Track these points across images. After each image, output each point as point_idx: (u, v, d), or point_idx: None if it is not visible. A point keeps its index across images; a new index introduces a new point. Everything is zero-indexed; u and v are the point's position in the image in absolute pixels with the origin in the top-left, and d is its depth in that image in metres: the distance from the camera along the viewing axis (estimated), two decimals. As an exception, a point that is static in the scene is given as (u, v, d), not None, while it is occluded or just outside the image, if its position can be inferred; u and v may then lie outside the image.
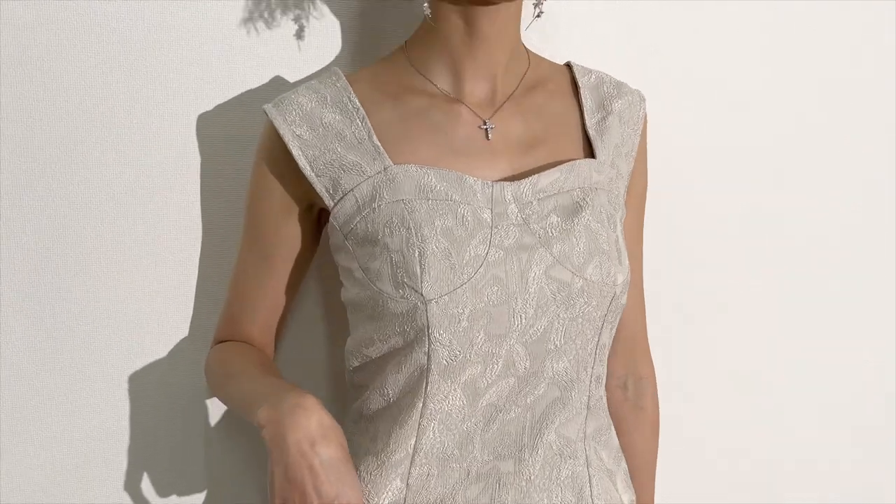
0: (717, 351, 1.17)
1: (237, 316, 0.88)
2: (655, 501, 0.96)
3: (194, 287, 1.02)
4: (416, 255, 0.72)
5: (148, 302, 1.01)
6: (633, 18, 1.05)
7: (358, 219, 0.76)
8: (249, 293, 0.87)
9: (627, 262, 0.80)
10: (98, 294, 1.00)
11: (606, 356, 0.82)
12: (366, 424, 0.79)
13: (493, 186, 0.76)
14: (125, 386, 1.03)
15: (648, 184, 0.97)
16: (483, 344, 0.74)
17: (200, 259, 1.01)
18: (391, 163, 0.76)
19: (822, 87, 1.17)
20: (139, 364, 1.02)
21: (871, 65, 1.18)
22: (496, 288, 0.74)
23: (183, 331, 1.02)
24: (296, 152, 0.77)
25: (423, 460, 0.75)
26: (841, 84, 1.18)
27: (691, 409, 1.16)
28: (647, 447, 0.93)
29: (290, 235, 0.84)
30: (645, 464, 0.93)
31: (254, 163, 0.84)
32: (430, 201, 0.74)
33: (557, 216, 0.77)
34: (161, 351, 1.02)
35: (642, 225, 0.93)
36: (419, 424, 0.75)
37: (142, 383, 1.02)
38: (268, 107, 0.80)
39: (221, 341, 0.90)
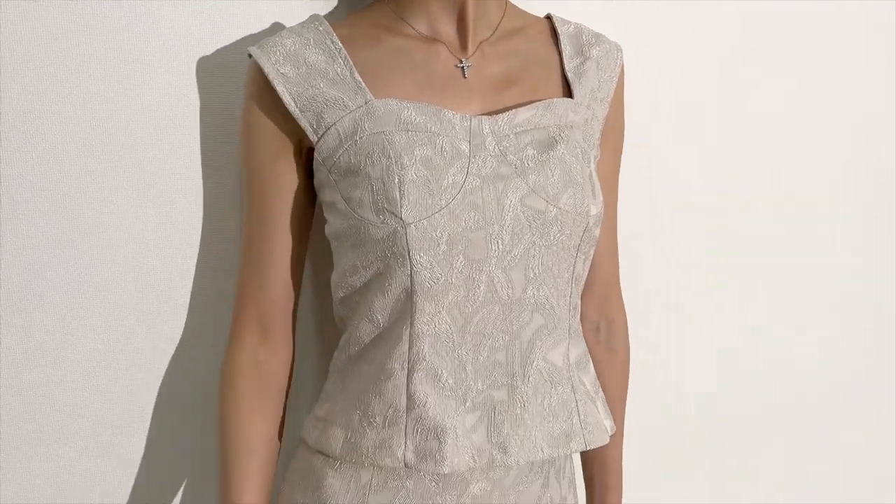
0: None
1: (250, 285, 0.86)
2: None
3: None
4: (396, 181, 0.75)
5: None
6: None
7: (340, 151, 0.78)
8: (257, 258, 0.86)
9: (601, 196, 0.83)
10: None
11: (581, 288, 0.84)
12: (360, 354, 0.81)
13: (471, 120, 0.79)
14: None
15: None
16: (463, 268, 0.76)
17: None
18: (372, 97, 0.79)
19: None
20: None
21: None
22: (473, 214, 0.76)
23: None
24: (280, 89, 0.80)
25: (420, 386, 0.77)
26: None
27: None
28: (618, 387, 0.96)
29: (286, 181, 0.83)
30: (615, 403, 0.96)
31: (242, 110, 0.86)
32: (409, 133, 0.77)
33: (533, 149, 0.79)
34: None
35: (617, 172, 0.95)
36: (409, 345, 0.77)
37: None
38: (252, 49, 0.82)
39: (241, 321, 0.87)
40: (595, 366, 0.92)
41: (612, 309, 0.96)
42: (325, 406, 0.83)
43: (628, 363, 0.97)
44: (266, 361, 0.85)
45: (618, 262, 0.97)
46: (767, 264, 1.20)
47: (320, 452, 0.81)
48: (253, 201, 0.85)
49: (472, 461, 0.77)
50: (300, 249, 0.86)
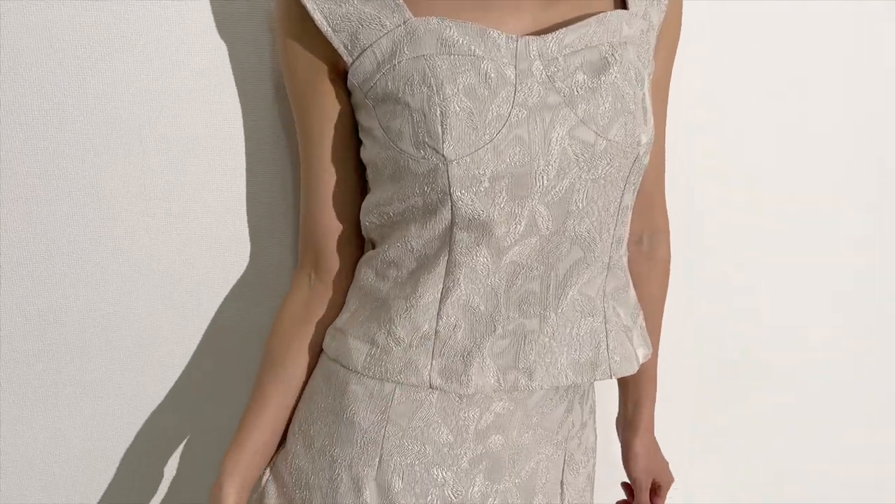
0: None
1: (305, 216, 0.85)
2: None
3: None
4: (438, 114, 0.71)
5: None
6: None
7: (378, 76, 0.74)
8: (308, 189, 0.83)
9: (652, 121, 0.78)
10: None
11: (629, 218, 0.82)
12: (389, 274, 0.80)
13: (517, 41, 0.73)
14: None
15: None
16: (505, 204, 0.74)
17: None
18: (411, 15, 0.73)
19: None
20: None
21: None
22: (518, 149, 0.72)
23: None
24: (310, 6, 0.74)
25: (451, 310, 0.77)
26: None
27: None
28: (657, 296, 0.96)
29: (326, 108, 0.79)
30: (653, 312, 0.95)
31: (277, 41, 0.80)
32: (452, 56, 0.72)
33: (584, 73, 0.74)
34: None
35: (669, 79, 0.89)
36: (445, 272, 0.76)
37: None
38: None
39: (300, 250, 0.87)
40: (635, 277, 0.91)
41: (656, 220, 0.94)
42: (345, 317, 0.82)
43: (668, 272, 0.96)
44: (315, 288, 0.85)
45: (663, 172, 0.93)
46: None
47: (338, 362, 0.81)
48: (299, 131, 0.82)
49: (496, 384, 0.77)
50: (350, 178, 0.83)
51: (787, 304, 1.26)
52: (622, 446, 1.00)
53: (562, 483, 0.87)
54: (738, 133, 1.16)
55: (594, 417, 0.93)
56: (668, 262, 0.96)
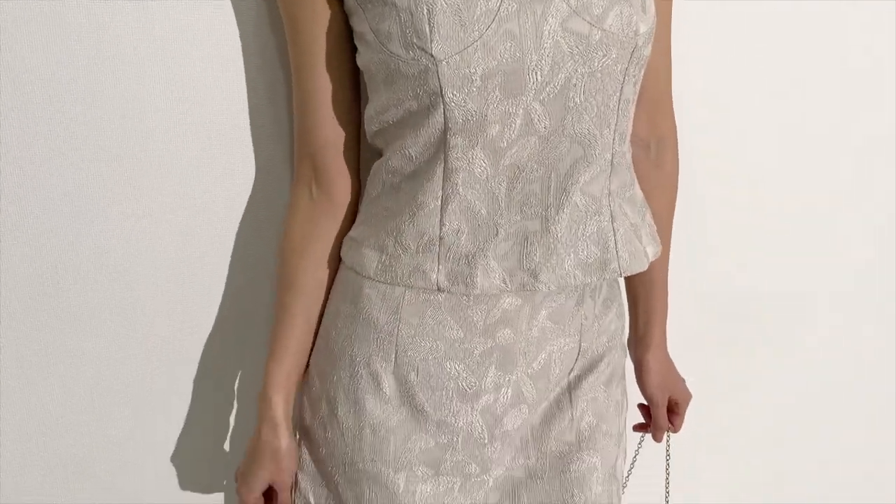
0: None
1: (300, 128, 0.85)
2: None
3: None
4: (425, 12, 0.70)
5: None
6: None
7: None
8: (302, 99, 0.83)
9: (653, 10, 0.75)
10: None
11: (631, 112, 0.80)
12: (393, 183, 0.81)
13: None
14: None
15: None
16: (499, 103, 0.73)
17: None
18: None
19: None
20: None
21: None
22: (509, 44, 0.71)
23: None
24: None
25: (452, 216, 0.77)
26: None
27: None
28: (665, 205, 0.94)
29: (318, 12, 0.78)
30: (662, 222, 0.94)
31: None
32: None
33: None
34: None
35: None
36: (443, 178, 0.76)
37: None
38: None
39: (298, 164, 0.87)
40: (643, 184, 0.90)
41: (663, 126, 0.91)
42: (360, 228, 0.84)
43: (677, 180, 0.95)
44: (319, 202, 0.85)
45: (670, 75, 0.90)
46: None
47: (353, 270, 0.83)
48: (291, 43, 0.81)
49: (502, 285, 0.78)
50: (346, 86, 0.83)
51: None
52: (635, 365, 1.00)
53: (570, 371, 0.88)
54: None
55: (617, 307, 0.92)
56: (677, 171, 0.94)
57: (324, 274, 0.87)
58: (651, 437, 1.03)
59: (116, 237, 0.99)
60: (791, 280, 1.24)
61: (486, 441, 0.85)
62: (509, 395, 0.85)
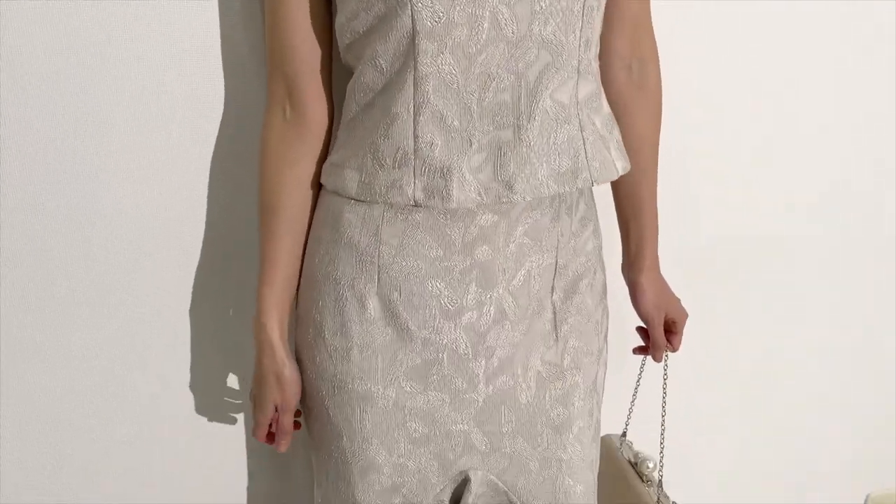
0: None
1: (273, 49, 0.87)
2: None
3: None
4: None
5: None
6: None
7: None
8: (275, 19, 0.85)
9: None
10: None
11: (596, 20, 0.82)
12: (367, 100, 0.83)
13: None
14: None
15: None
16: (465, 5, 0.75)
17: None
18: None
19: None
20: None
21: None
22: None
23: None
24: None
25: (425, 128, 0.79)
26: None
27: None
28: (650, 126, 0.96)
29: None
30: (648, 144, 0.96)
31: None
32: None
33: None
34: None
35: None
36: (414, 86, 0.78)
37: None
38: None
39: (271, 88, 0.89)
40: (626, 106, 0.92)
41: (643, 47, 0.93)
42: (339, 152, 0.86)
43: (660, 101, 0.96)
44: (293, 124, 0.87)
45: None
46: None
47: (336, 193, 0.85)
48: None
49: (478, 198, 0.80)
50: (320, 4, 0.85)
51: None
52: (629, 288, 1.01)
53: (552, 290, 0.89)
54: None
55: (594, 227, 0.93)
56: (660, 91, 0.96)
57: (305, 196, 0.88)
58: (651, 359, 1.04)
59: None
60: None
61: (470, 357, 0.87)
62: (492, 312, 0.86)
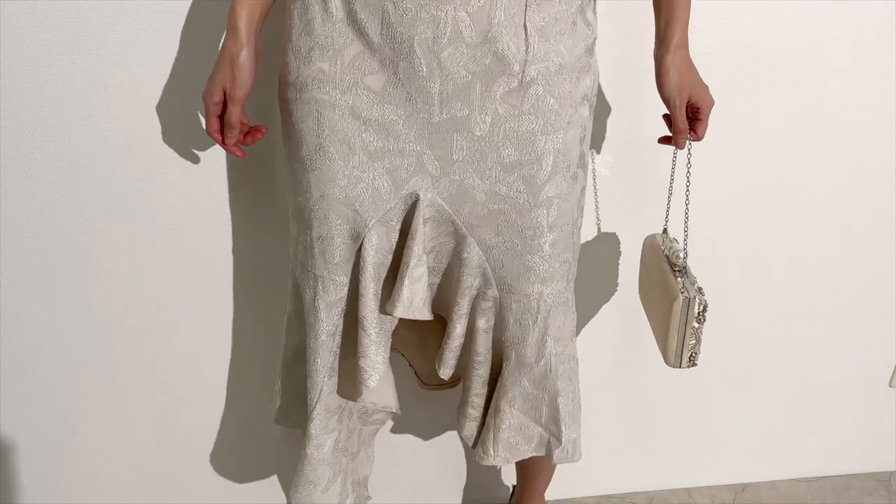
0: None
1: None
2: None
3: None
4: None
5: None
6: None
7: None
8: None
9: None
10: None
11: None
12: None
13: None
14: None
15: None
16: None
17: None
18: None
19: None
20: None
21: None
22: None
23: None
24: None
25: None
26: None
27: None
28: None
29: None
30: None
31: None
32: None
33: None
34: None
35: None
36: None
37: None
38: None
39: None
40: None
41: None
42: None
43: None
44: None
45: None
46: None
47: None
48: None
49: None
50: None
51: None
52: (655, 67, 0.98)
53: (525, 26, 0.88)
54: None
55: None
56: None
57: None
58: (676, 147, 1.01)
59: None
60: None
61: (424, 75, 0.87)
62: (448, 32, 0.86)
